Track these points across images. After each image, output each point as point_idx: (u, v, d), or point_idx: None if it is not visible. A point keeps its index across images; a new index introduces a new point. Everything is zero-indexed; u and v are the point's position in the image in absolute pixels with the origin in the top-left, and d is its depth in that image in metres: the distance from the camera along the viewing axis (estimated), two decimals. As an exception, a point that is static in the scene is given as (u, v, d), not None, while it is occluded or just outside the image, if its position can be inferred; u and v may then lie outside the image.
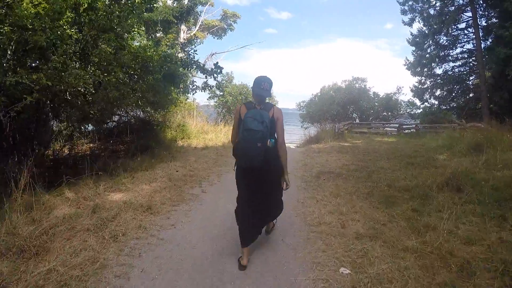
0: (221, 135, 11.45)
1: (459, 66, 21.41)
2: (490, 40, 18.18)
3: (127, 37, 6.19)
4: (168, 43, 16.59)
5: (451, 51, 21.39)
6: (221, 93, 16.03)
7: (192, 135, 10.86)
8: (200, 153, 8.63)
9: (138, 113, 10.95)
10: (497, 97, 16.70)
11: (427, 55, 21.05)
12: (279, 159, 2.93)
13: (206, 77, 7.93)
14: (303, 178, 6.24)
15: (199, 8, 24.52)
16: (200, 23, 24.29)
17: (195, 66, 7.30)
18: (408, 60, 22.31)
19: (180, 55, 14.07)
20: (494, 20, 18.07)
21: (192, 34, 22.83)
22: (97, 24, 5.15)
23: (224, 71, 16.16)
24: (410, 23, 21.78)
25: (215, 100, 15.99)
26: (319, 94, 19.74)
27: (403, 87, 21.60)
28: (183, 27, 19.54)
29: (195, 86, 8.12)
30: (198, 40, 25.23)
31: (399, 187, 5.35)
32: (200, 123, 12.84)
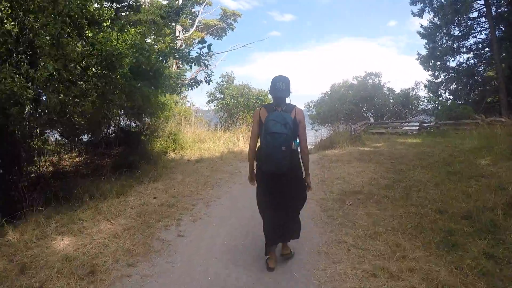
0: (220, 143, 9.95)
1: (473, 58, 20.27)
2: (503, 29, 17.23)
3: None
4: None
5: (464, 42, 20.26)
6: (221, 96, 14.51)
7: (186, 145, 9.37)
8: (191, 169, 7.13)
9: (129, 122, 9.60)
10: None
11: (440, 48, 19.85)
12: (301, 162, 2.85)
13: (193, 70, 6.38)
14: (322, 204, 4.67)
15: (196, 7, 23.24)
16: (197, 23, 22.94)
17: (177, 56, 5.75)
18: (420, 54, 21.23)
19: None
20: (503, 9, 17.24)
21: (189, 34, 21.47)
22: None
23: (224, 71, 14.67)
24: (420, 14, 20.55)
25: (215, 104, 14.49)
26: (329, 92, 18.11)
27: (421, 81, 19.87)
28: (178, 27, 18.12)
29: (179, 84, 6.58)
30: (196, 41, 23.86)
31: (454, 213, 3.92)
32: (198, 130, 11.34)
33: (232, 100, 13.42)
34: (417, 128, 14.35)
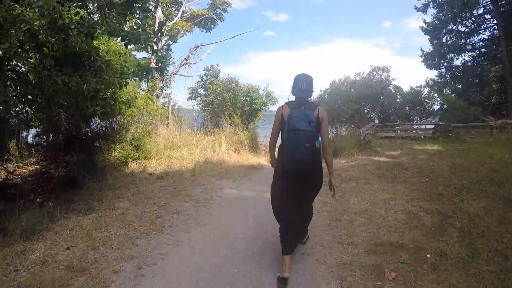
0: (197, 149, 7.93)
1: (478, 56, 19.35)
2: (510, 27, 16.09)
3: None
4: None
5: (470, 40, 19.34)
6: (205, 92, 12.49)
7: (153, 152, 7.34)
8: (147, 190, 5.14)
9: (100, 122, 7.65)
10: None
11: (445, 46, 19.04)
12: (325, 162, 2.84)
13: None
14: (343, 277, 2.66)
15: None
16: (183, 12, 20.78)
17: (123, 35, 3.75)
18: (423, 51, 20.15)
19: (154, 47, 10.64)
20: (507, 7, 16.49)
21: (172, 23, 19.29)
22: None
23: (209, 63, 12.64)
24: (424, 9, 19.78)
25: (197, 101, 12.45)
26: (329, 89, 16.17)
27: (430, 79, 18.35)
28: (159, 13, 16.03)
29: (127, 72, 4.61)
30: (181, 32, 21.75)
31: None
32: (175, 133, 9.29)
33: (218, 98, 11.39)
34: (430, 131, 12.51)
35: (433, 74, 19.92)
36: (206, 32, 23.77)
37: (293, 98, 2.78)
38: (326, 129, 2.75)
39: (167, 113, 9.79)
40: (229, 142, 8.54)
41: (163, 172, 6.36)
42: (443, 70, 20.11)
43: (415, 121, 14.75)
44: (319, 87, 16.84)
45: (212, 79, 12.21)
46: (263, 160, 8.62)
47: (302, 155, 2.50)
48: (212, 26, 23.95)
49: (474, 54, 19.65)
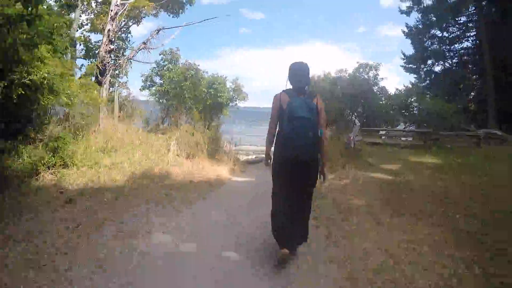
0: (136, 155, 5.92)
1: (458, 64, 19.83)
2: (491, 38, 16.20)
3: None
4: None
5: (453, 46, 19.85)
6: (161, 81, 10.44)
7: (78, 157, 5.26)
8: (43, 222, 3.17)
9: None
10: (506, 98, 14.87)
11: (427, 51, 19.61)
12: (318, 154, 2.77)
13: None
14: None
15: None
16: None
17: None
18: (405, 55, 20.59)
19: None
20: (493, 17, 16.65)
21: (132, 1, 16.85)
22: None
23: (167, 47, 10.53)
24: (408, 12, 20.01)
25: (151, 92, 10.36)
26: (306, 88, 14.30)
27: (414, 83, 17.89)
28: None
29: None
30: (144, 12, 19.22)
31: None
32: (123, 130, 7.18)
33: (175, 88, 9.39)
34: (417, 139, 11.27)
35: (409, 79, 20.20)
36: (173, 17, 21.28)
37: (290, 86, 2.79)
38: (324, 118, 2.76)
39: (99, 101, 7.65)
40: (181, 144, 6.60)
41: (81, 189, 4.42)
42: (422, 75, 20.40)
43: (400, 126, 13.50)
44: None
45: (170, 65, 10.15)
46: (226, 170, 6.83)
47: (305, 143, 2.52)
48: (180, 10, 21.63)
49: (456, 61, 19.97)
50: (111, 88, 11.18)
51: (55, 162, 5.20)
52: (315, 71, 14.54)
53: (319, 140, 2.63)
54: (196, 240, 3.21)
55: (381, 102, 13.08)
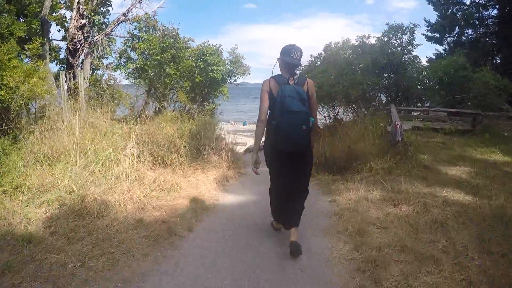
0: (80, 165, 3.85)
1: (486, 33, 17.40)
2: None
3: None
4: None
5: (483, 13, 17.25)
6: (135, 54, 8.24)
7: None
8: None
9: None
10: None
11: (452, 17, 17.32)
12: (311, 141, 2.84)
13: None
14: None
15: None
16: None
17: None
18: (429, 23, 18.17)
19: None
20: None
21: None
22: None
23: (140, 12, 8.22)
24: None
25: (122, 70, 8.16)
26: (323, 55, 11.73)
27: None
28: None
29: None
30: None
31: None
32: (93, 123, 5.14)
33: (151, 63, 7.21)
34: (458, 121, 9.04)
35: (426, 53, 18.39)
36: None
37: (277, 72, 2.72)
38: (315, 104, 2.80)
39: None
40: (147, 144, 4.48)
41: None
42: (452, 44, 17.97)
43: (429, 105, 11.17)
44: (307, 58, 12.53)
45: (147, 34, 7.87)
46: (214, 181, 4.63)
47: (298, 136, 2.53)
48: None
49: (482, 30, 17.65)
50: (98, 72, 9.10)
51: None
52: (333, 37, 12.12)
53: (311, 130, 2.66)
54: None
55: (415, 75, 10.69)
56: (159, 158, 4.40)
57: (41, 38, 7.30)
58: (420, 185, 3.99)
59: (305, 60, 11.72)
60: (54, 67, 11.06)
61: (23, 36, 8.27)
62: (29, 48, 7.23)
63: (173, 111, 7.37)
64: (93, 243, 2.69)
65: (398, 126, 4.94)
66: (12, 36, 7.61)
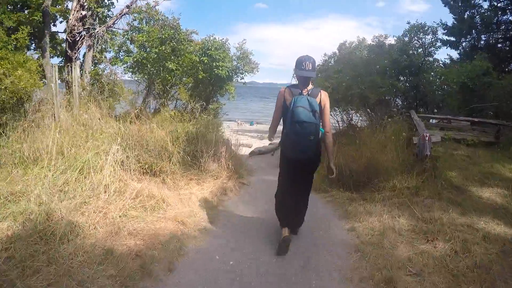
0: (57, 170, 3.31)
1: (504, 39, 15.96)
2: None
3: None
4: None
5: (502, 17, 15.72)
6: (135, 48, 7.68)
7: None
8: None
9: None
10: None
11: (469, 22, 15.93)
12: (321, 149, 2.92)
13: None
14: None
15: None
16: None
17: None
18: (445, 25, 16.38)
19: None
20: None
21: None
22: None
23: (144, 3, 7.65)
24: None
25: (119, 64, 7.58)
26: (338, 54, 11.11)
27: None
28: None
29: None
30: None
31: None
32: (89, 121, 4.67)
33: (149, 57, 6.66)
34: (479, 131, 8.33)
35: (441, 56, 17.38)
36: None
37: (295, 81, 2.85)
38: (328, 114, 2.84)
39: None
40: (135, 149, 3.91)
41: None
42: (467, 48, 16.64)
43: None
44: (320, 57, 11.88)
45: (146, 26, 7.29)
46: (208, 198, 3.98)
47: (304, 146, 2.64)
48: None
49: (500, 36, 16.17)
50: (100, 66, 8.55)
51: None
52: (347, 36, 11.45)
53: (320, 140, 2.76)
54: None
55: (432, 79, 9.97)
56: (147, 166, 3.81)
57: (29, 27, 6.83)
58: (454, 213, 3.37)
59: (318, 60, 11.08)
60: (55, 61, 10.61)
61: (14, 26, 7.79)
62: (16, 38, 6.74)
63: (174, 109, 6.86)
64: (50, 279, 2.13)
65: (427, 138, 4.31)
66: (2, 25, 7.12)
